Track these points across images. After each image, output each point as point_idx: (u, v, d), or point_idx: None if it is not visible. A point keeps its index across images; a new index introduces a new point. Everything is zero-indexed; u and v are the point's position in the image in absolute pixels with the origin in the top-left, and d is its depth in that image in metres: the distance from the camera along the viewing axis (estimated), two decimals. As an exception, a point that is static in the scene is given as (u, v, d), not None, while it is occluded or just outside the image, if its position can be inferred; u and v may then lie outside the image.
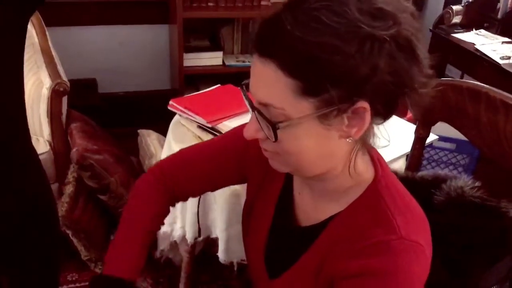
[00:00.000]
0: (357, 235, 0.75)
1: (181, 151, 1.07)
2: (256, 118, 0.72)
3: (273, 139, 0.70)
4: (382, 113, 0.71)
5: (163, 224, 1.07)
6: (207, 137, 1.83)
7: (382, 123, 0.75)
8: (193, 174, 1.01)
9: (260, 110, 0.70)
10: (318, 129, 0.69)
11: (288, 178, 0.91)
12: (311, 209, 0.85)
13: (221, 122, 1.74)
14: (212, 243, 1.97)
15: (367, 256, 0.72)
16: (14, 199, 1.20)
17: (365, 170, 0.79)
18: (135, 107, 3.10)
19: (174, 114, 1.98)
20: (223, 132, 1.73)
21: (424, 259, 0.73)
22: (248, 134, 0.75)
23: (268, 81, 0.67)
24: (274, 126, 0.69)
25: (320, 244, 0.81)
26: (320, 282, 0.79)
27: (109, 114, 2.88)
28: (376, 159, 0.81)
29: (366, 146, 0.77)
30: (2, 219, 1.19)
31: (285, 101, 0.67)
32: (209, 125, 1.75)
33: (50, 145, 2.07)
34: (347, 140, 0.72)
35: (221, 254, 1.78)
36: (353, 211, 0.78)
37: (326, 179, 0.79)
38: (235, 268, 1.82)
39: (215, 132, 1.76)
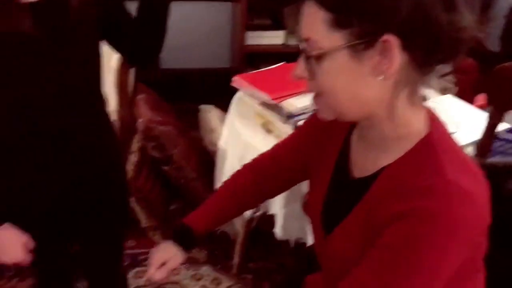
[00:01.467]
0: (406, 186, 0.75)
1: (276, 145, 1.17)
2: (302, 58, 0.78)
3: (311, 75, 0.76)
4: (420, 58, 0.73)
5: (248, 209, 1.23)
6: (269, 114, 1.84)
7: (428, 73, 0.76)
8: (280, 165, 1.12)
9: (303, 47, 0.77)
10: (350, 64, 0.73)
11: (348, 134, 0.93)
12: (364, 160, 0.86)
13: (286, 100, 1.74)
14: (268, 219, 1.99)
15: (414, 199, 0.73)
16: (98, 163, 1.27)
17: (415, 122, 0.80)
18: (195, 84, 3.15)
19: (233, 91, 2.01)
20: (287, 110, 1.74)
21: (475, 207, 0.73)
22: (295, 73, 0.80)
23: (308, 16, 0.76)
24: (311, 59, 0.75)
25: (370, 196, 0.82)
26: (367, 235, 0.80)
27: (171, 89, 2.95)
28: (431, 115, 0.82)
29: (413, 98, 0.78)
30: (89, 180, 1.26)
31: (319, 33, 0.74)
32: (273, 102, 1.76)
33: (116, 115, 2.14)
34: (379, 78, 0.73)
35: (278, 231, 1.81)
36: (404, 163, 0.79)
37: (372, 127, 0.81)
38: (292, 246, 1.84)
39: (278, 110, 1.77)
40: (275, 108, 1.77)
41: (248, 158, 1.76)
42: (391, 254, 0.74)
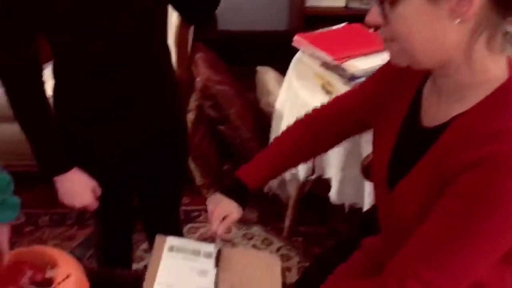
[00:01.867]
0: (479, 133, 0.73)
1: (332, 99, 1.16)
2: (376, 2, 0.76)
3: (385, 20, 0.74)
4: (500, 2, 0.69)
5: (300, 162, 1.21)
6: (329, 75, 1.79)
7: (509, 16, 0.72)
8: (341, 117, 1.11)
9: None
10: (425, 7, 0.70)
11: (421, 84, 0.90)
12: (436, 110, 0.84)
13: (347, 61, 1.69)
14: (323, 183, 1.97)
15: (486, 145, 0.70)
16: (165, 117, 1.29)
17: (493, 68, 0.76)
18: (253, 46, 3.11)
19: (291, 54, 1.96)
20: (349, 72, 1.68)
21: None
22: (370, 18, 0.80)
23: None
24: (385, 3, 0.72)
25: (439, 146, 0.79)
26: (433, 188, 0.78)
27: (228, 51, 2.93)
28: (511, 62, 0.78)
29: (493, 43, 0.74)
30: (157, 133, 1.28)
31: None
32: (335, 63, 1.71)
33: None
34: (457, 21, 0.70)
35: (333, 195, 1.78)
36: (478, 111, 0.76)
37: (447, 75, 0.78)
38: (346, 211, 1.82)
39: (339, 71, 1.72)
40: (336, 69, 1.72)
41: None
42: (464, 203, 0.72)
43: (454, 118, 0.79)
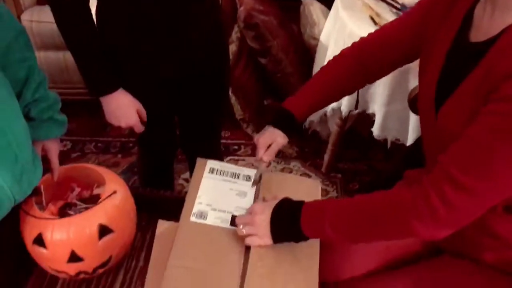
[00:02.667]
0: None
1: (379, 29, 1.13)
2: None
3: None
4: None
5: (346, 93, 1.20)
6: (378, 6, 1.71)
7: None
8: (384, 44, 1.07)
9: None
10: None
11: (473, 5, 0.86)
12: (488, 24, 0.80)
13: (399, -11, 1.60)
14: (364, 119, 1.93)
15: None
16: (208, 39, 1.28)
17: None
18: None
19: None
20: (400, 2, 1.59)
21: None
22: None
23: None
24: None
25: (487, 59, 0.77)
26: (479, 105, 0.76)
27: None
28: None
29: None
30: (200, 55, 1.28)
31: None
32: (385, -9, 1.62)
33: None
34: None
35: (376, 130, 1.75)
36: None
37: None
38: (389, 146, 1.79)
39: (388, 1, 1.63)
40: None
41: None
42: (506, 107, 0.70)
43: (505, 29, 0.75)
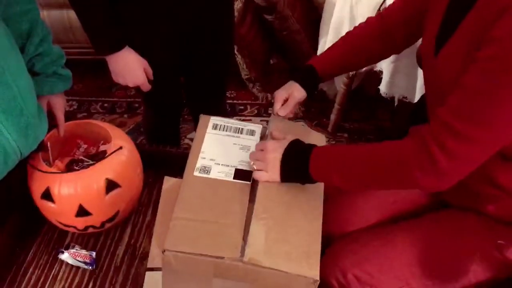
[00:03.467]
0: None
1: None
2: None
3: None
4: None
5: (371, 62, 1.18)
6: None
7: None
8: (407, 8, 1.04)
9: None
10: None
11: None
12: None
13: None
14: (373, 77, 1.91)
15: None
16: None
17: None
18: None
19: None
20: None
21: None
22: None
23: None
24: None
25: (479, 8, 0.75)
26: (473, 49, 0.74)
27: None
28: None
29: None
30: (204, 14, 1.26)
31: None
32: None
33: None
34: None
35: (383, 87, 1.73)
36: None
37: None
38: (396, 104, 1.77)
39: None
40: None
41: (360, 7, 1.66)
42: (499, 48, 0.68)
43: None
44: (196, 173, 0.98)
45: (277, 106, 1.10)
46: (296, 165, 0.91)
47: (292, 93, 1.10)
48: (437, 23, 0.88)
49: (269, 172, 0.94)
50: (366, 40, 1.09)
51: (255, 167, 0.96)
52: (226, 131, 1.09)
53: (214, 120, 1.12)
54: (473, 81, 0.72)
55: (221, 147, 1.05)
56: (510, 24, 0.67)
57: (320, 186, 0.97)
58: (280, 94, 1.10)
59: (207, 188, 0.96)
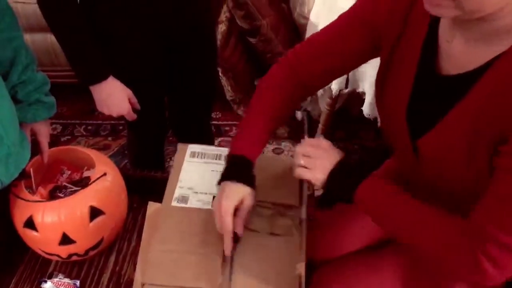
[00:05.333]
0: None
1: (312, 35, 0.98)
2: None
3: None
4: None
5: (291, 113, 1.07)
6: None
7: None
8: (324, 56, 0.93)
9: None
10: None
11: (432, 27, 0.80)
12: (462, 56, 0.75)
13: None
14: (356, 98, 1.94)
15: None
16: (192, 17, 1.26)
17: None
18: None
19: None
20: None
21: None
22: None
23: None
24: None
25: (478, 91, 0.72)
26: (475, 136, 0.72)
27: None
28: None
29: None
30: (184, 33, 1.26)
31: None
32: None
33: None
34: None
35: (366, 108, 1.76)
36: None
37: (490, 20, 0.69)
38: (379, 125, 1.79)
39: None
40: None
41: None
42: None
43: (491, 62, 0.71)
44: (174, 203, 0.98)
45: (227, 225, 0.88)
46: (346, 181, 0.84)
47: (244, 199, 0.90)
48: (404, 99, 0.84)
49: (314, 172, 0.85)
50: (280, 100, 0.97)
51: (302, 162, 0.87)
52: (205, 158, 1.09)
53: (192, 148, 1.12)
54: (507, 190, 0.69)
55: (199, 175, 1.05)
56: None
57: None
58: (225, 209, 0.87)
59: (185, 218, 0.95)
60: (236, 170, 0.92)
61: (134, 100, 1.26)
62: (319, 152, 0.87)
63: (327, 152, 0.87)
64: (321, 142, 0.89)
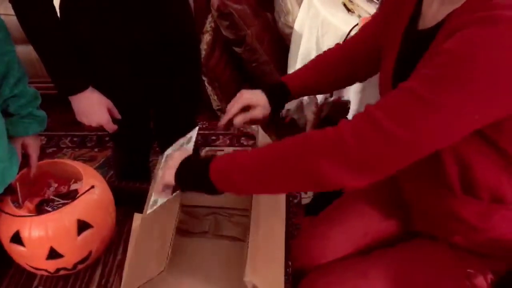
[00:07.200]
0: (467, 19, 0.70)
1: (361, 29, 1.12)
2: None
3: None
4: None
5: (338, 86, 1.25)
6: (351, -6, 1.72)
7: None
8: (371, 42, 1.05)
9: None
10: None
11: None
12: (434, 12, 0.81)
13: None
14: (341, 106, 1.95)
15: (468, 16, 0.69)
16: (173, 24, 1.25)
17: None
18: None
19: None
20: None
21: None
22: None
23: None
24: None
25: (434, 46, 0.76)
26: None
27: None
28: None
29: None
30: (167, 44, 1.26)
31: None
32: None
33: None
34: None
35: (350, 116, 1.77)
36: (470, 2, 0.73)
37: None
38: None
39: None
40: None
41: (326, 39, 1.70)
42: (440, 60, 0.69)
43: (448, 16, 0.76)
44: (148, 211, 0.98)
45: (235, 108, 1.04)
46: (196, 169, 0.86)
47: (257, 105, 1.04)
48: (392, 60, 0.91)
49: (164, 174, 0.90)
50: (332, 64, 1.10)
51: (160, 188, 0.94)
52: (176, 145, 1.11)
53: (167, 153, 1.14)
54: (411, 86, 0.71)
55: None
56: (460, 38, 0.68)
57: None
58: (244, 98, 1.05)
59: (152, 222, 0.96)
60: (268, 86, 1.06)
61: (114, 110, 1.26)
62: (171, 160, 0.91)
63: (176, 158, 0.91)
64: (174, 153, 0.94)
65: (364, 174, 0.73)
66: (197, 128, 1.07)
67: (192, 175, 0.87)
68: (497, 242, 0.88)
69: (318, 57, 1.13)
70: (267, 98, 1.06)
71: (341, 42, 1.61)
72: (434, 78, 0.69)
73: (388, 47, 0.94)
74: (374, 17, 1.12)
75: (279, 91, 1.07)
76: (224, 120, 1.07)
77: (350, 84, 1.20)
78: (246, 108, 1.06)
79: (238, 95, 1.07)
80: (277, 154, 0.78)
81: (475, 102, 0.67)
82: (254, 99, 1.06)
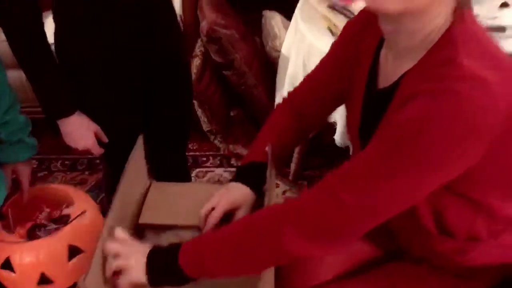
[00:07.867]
0: (422, 78, 0.73)
1: (308, 75, 1.10)
2: None
3: None
4: None
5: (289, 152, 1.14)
6: (335, 18, 1.77)
7: None
8: (319, 91, 1.04)
9: None
10: None
11: (378, 47, 0.88)
12: (390, 70, 0.83)
13: (355, 2, 1.66)
14: (328, 127, 1.99)
15: (423, 84, 0.71)
16: (165, 52, 1.29)
17: (440, 15, 0.73)
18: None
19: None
20: (355, 13, 1.66)
21: (490, 93, 0.68)
22: None
23: None
24: None
25: (392, 106, 0.78)
26: None
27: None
28: (458, 8, 0.74)
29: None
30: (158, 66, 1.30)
31: None
32: (342, 4, 1.68)
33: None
34: None
35: (337, 137, 1.80)
36: (423, 64, 0.75)
37: (401, 32, 0.77)
38: (350, 154, 1.84)
39: (346, 13, 1.70)
40: (343, 10, 1.69)
41: (312, 62, 1.74)
42: (393, 131, 0.72)
43: (403, 76, 0.78)
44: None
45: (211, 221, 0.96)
46: (166, 261, 0.82)
47: (240, 205, 0.98)
48: (357, 117, 0.92)
49: (135, 273, 0.82)
50: (288, 128, 1.07)
51: (114, 267, 0.84)
52: None
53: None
54: (369, 156, 0.74)
55: None
56: (411, 111, 0.70)
57: None
58: (226, 201, 0.97)
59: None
60: (244, 171, 1.00)
61: (102, 134, 1.28)
62: (126, 249, 0.85)
63: (134, 246, 0.86)
64: (126, 238, 0.88)
65: (324, 242, 0.77)
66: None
67: (163, 267, 0.82)
68: (476, 269, 0.90)
69: (270, 126, 1.09)
70: (250, 188, 0.99)
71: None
72: (386, 151, 0.72)
73: (351, 103, 0.95)
74: (324, 63, 1.05)
75: (257, 174, 1.00)
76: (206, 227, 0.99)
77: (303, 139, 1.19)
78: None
79: (216, 198, 0.99)
80: (244, 228, 0.81)
81: (425, 173, 0.71)
82: (237, 203, 0.99)
